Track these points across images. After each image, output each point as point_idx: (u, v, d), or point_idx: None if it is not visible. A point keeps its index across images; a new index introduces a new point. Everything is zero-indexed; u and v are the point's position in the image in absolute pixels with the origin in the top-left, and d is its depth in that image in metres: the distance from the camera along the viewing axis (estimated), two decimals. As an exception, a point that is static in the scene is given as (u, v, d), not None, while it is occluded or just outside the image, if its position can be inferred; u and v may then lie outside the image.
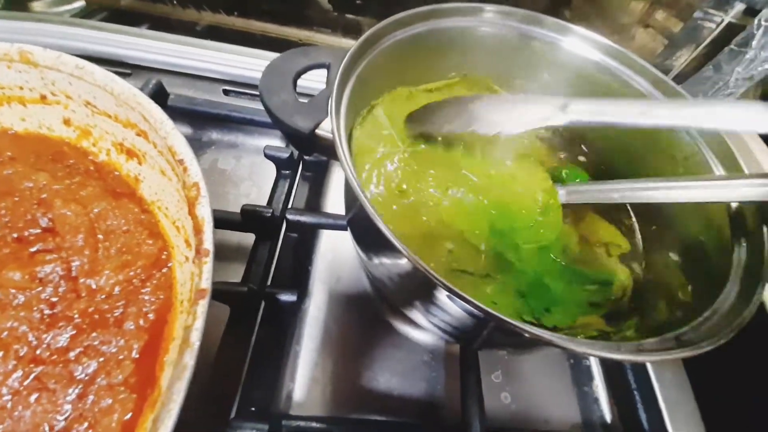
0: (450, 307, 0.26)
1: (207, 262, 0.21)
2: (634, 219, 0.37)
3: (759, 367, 0.36)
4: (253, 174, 0.51)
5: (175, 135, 0.26)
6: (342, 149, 0.25)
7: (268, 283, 0.40)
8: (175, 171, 0.28)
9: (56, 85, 0.30)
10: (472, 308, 0.21)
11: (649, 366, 0.39)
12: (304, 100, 0.31)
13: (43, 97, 0.31)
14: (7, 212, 0.28)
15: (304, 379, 0.37)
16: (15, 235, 0.27)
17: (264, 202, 0.46)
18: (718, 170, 0.30)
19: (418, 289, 0.29)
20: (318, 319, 0.41)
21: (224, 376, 0.34)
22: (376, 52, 0.32)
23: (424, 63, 0.38)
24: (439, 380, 0.39)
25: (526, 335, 0.20)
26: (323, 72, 0.34)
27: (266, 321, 0.37)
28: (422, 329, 0.41)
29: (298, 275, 0.42)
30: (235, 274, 0.41)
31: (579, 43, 0.36)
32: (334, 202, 0.49)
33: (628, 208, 0.37)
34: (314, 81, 0.38)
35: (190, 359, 0.18)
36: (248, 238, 0.42)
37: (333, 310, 0.42)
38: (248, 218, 0.40)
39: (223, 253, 0.43)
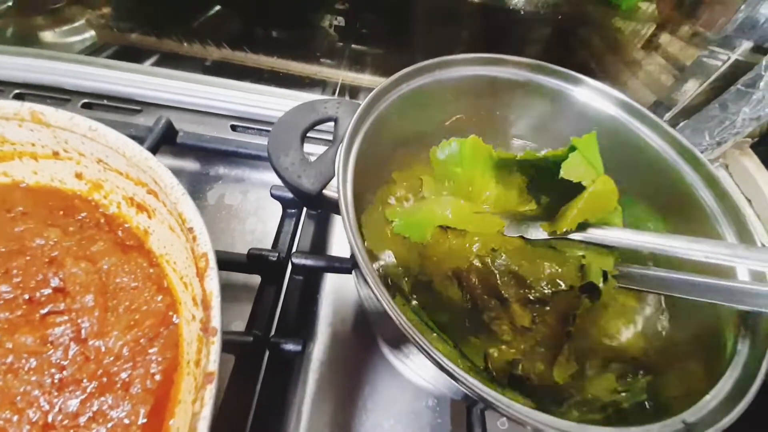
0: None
1: (215, 342, 0.21)
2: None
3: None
4: (259, 209, 0.52)
5: (185, 201, 0.26)
6: (347, 215, 0.26)
7: (273, 328, 0.40)
8: (183, 231, 0.29)
9: (69, 143, 0.30)
10: (465, 390, 0.21)
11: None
12: (314, 152, 0.31)
13: (56, 154, 0.32)
14: (19, 272, 0.29)
15: (309, 426, 0.37)
16: (26, 297, 0.28)
17: (269, 239, 0.46)
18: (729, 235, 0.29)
19: (421, 357, 0.28)
20: (322, 362, 0.41)
21: (229, 428, 0.34)
22: (383, 107, 0.33)
23: (429, 113, 0.38)
24: (444, 427, 0.39)
25: (527, 426, 0.19)
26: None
27: (271, 369, 0.37)
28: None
29: (303, 319, 0.42)
30: (240, 314, 0.41)
31: (591, 95, 0.36)
32: (339, 242, 0.49)
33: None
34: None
35: (198, 450, 0.18)
36: (253, 277, 0.42)
37: (337, 352, 0.42)
38: (254, 261, 0.41)
39: (228, 293, 0.44)
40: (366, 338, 0.43)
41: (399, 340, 0.29)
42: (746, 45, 0.50)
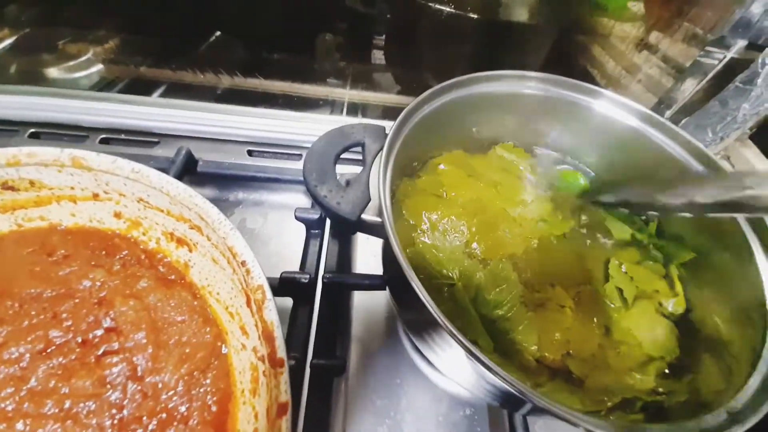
0: (495, 382, 0.27)
1: (283, 372, 0.22)
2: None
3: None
4: (281, 231, 0.52)
5: (234, 236, 0.27)
6: (392, 235, 0.27)
7: (310, 347, 0.40)
8: (230, 263, 0.29)
9: (110, 185, 0.31)
10: (513, 390, 0.22)
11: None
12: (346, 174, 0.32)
13: (96, 195, 0.32)
14: (69, 316, 0.29)
15: (353, 443, 0.38)
16: (79, 339, 0.28)
17: (294, 259, 0.47)
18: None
19: (464, 362, 0.29)
20: (358, 378, 0.41)
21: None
22: (408, 130, 0.34)
23: (450, 129, 0.39)
24: (484, 435, 0.40)
25: (578, 426, 0.20)
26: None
27: (313, 390, 0.38)
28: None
29: (338, 336, 0.43)
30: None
31: (612, 107, 0.38)
32: (364, 258, 0.50)
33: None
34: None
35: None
36: (285, 299, 0.43)
37: (372, 367, 0.42)
38: (286, 284, 0.41)
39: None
40: (398, 352, 0.44)
41: (444, 348, 0.30)
42: (741, 43, 0.52)
